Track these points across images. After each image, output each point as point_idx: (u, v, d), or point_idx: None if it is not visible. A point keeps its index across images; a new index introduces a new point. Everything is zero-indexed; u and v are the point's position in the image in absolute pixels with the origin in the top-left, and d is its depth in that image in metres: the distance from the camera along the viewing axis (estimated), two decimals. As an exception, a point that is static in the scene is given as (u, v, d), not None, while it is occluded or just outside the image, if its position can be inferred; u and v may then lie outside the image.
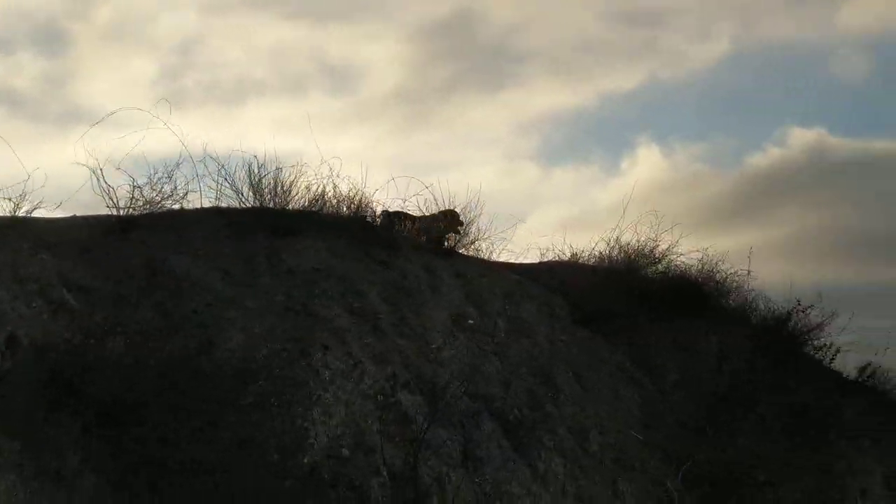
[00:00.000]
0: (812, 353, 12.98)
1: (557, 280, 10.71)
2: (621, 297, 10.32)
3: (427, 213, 10.20)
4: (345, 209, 8.30)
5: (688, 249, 12.30)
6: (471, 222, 9.56)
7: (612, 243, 11.97)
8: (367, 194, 8.52)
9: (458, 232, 10.47)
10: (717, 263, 13.33)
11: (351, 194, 8.30)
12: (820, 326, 13.28)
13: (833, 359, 11.11)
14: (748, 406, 9.14)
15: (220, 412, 5.97)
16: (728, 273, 13.21)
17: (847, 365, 16.15)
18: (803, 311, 10.54)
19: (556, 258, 11.81)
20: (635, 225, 12.04)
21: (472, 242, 9.54)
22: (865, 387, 16.03)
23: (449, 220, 10.20)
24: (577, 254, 11.87)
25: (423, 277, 8.38)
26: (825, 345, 13.17)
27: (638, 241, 12.11)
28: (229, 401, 6.10)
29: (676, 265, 12.48)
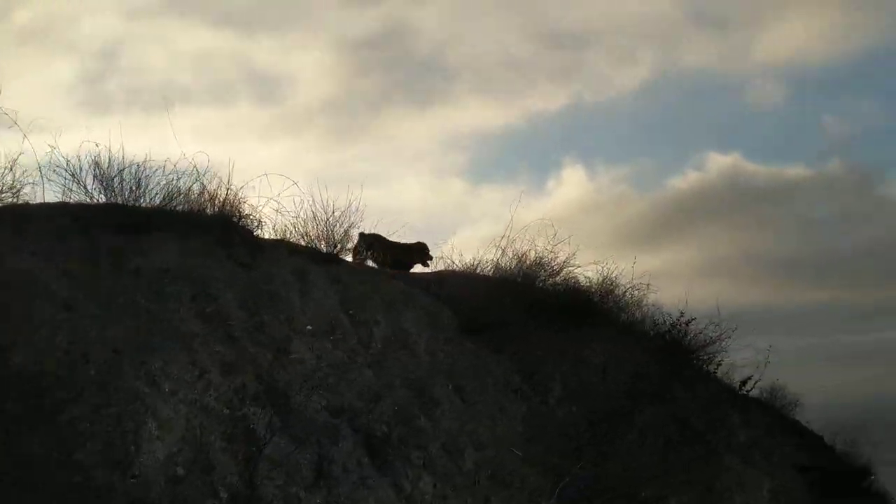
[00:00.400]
0: (704, 367, 12.94)
1: (447, 290, 10.31)
2: (513, 309, 9.97)
3: (401, 241, 10.68)
4: (209, 209, 7.68)
5: (586, 262, 12.14)
6: (350, 227, 9.07)
7: (508, 254, 11.75)
8: (235, 193, 7.92)
9: (425, 264, 11.13)
10: (616, 278, 13.25)
11: (216, 192, 7.69)
12: (713, 342, 13.28)
13: (716, 370, 11.02)
14: (633, 419, 8.88)
15: (31, 424, 5.30)
16: (627, 288, 13.14)
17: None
18: (686, 324, 10.38)
19: (449, 268, 11.44)
20: (533, 237, 11.83)
21: (345, 247, 9.01)
22: (759, 402, 16.13)
23: (419, 252, 10.85)
24: (471, 264, 11.55)
25: (293, 282, 7.83)
26: (715, 360, 13.17)
27: (535, 252, 11.90)
28: (46, 412, 5.43)
29: (573, 278, 12.31)
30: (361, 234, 9.98)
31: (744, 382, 10.81)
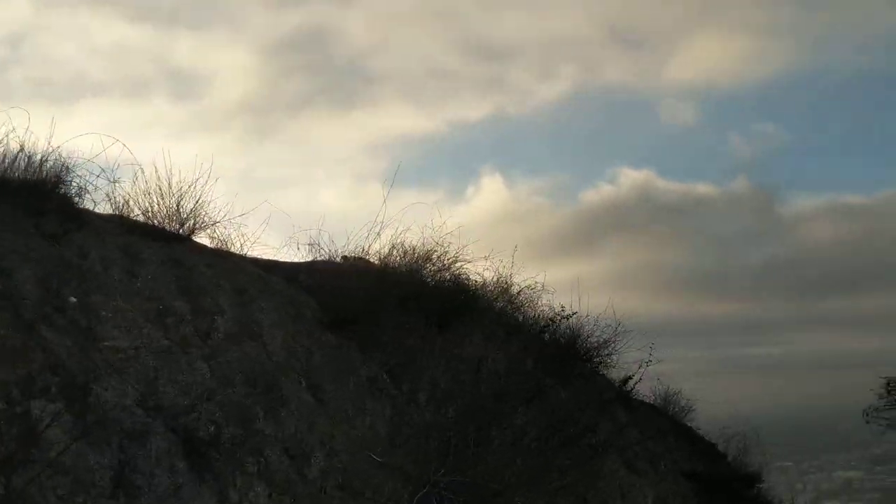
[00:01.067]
0: (592, 370, 12.46)
1: (317, 280, 9.44)
2: (386, 302, 9.17)
3: None
4: (19, 173, 6.60)
5: (479, 258, 11.48)
6: (200, 203, 8.09)
7: (392, 245, 10.99)
8: (58, 156, 6.83)
9: None
10: (510, 277, 12.66)
11: (31, 153, 6.60)
12: (603, 345, 12.84)
13: (603, 373, 10.51)
14: (508, 421, 8.19)
15: None
16: (522, 288, 12.58)
17: (640, 390, 15.86)
18: (566, 318, 9.80)
19: (327, 258, 10.57)
20: (423, 229, 11.10)
21: (195, 226, 8.02)
22: (652, 407, 15.78)
23: None
24: (353, 254, 10.71)
25: (117, 260, 6.83)
26: (605, 362, 12.75)
27: (423, 244, 11.16)
28: None
29: (464, 275, 11.64)
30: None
31: (625, 381, 10.29)
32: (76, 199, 6.88)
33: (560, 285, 11.89)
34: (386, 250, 10.64)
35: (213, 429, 6.25)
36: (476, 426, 7.68)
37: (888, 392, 24.67)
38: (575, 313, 10.02)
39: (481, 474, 7.36)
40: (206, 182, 7.99)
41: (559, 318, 10.17)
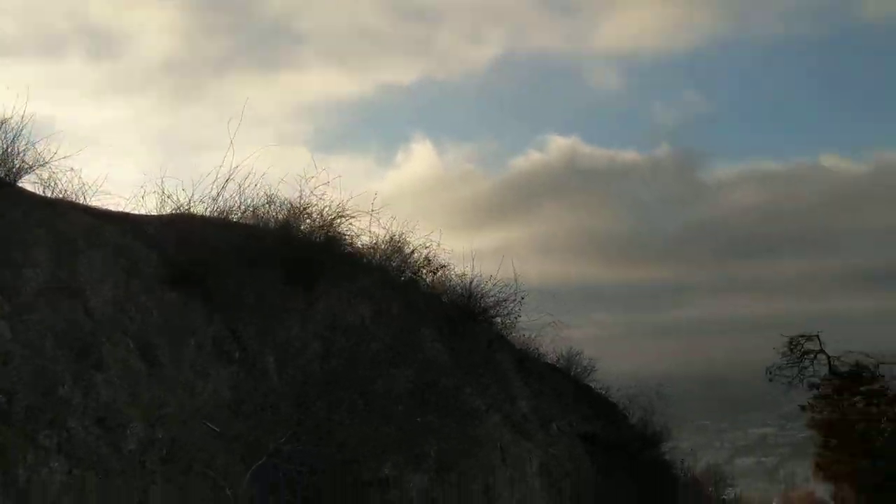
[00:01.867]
0: (485, 329, 11.92)
1: (164, 232, 8.52)
2: (241, 258, 8.35)
3: None
4: None
5: (360, 212, 10.73)
6: (17, 143, 7.10)
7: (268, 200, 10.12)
8: None
9: None
10: (404, 236, 11.97)
11: None
12: (497, 304, 12.34)
13: (506, 336, 9.95)
14: (371, 385, 7.49)
15: None
16: (417, 247, 11.95)
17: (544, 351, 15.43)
18: (437, 269, 9.15)
19: (184, 211, 9.61)
20: (299, 181, 10.27)
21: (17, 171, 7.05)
22: (553, 369, 15.36)
23: None
24: (219, 209, 9.77)
25: None
26: (502, 322, 12.26)
27: (301, 198, 10.30)
28: None
29: (347, 233, 10.87)
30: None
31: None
32: None
33: (490, 252, 11.59)
34: (253, 204, 9.81)
35: (2, 398, 5.38)
36: (331, 390, 6.96)
37: (790, 350, 25.04)
38: (447, 264, 9.35)
39: (334, 442, 6.66)
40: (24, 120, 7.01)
41: (429, 268, 9.50)
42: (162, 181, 8.82)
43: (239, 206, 9.66)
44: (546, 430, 11.62)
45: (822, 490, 29.79)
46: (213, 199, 8.85)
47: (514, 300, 12.39)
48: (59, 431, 5.56)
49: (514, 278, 12.11)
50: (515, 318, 12.33)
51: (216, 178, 8.83)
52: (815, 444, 24.83)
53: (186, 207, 8.84)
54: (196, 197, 8.95)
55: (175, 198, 8.92)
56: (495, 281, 12.27)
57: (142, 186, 8.79)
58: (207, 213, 9.56)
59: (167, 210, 9.20)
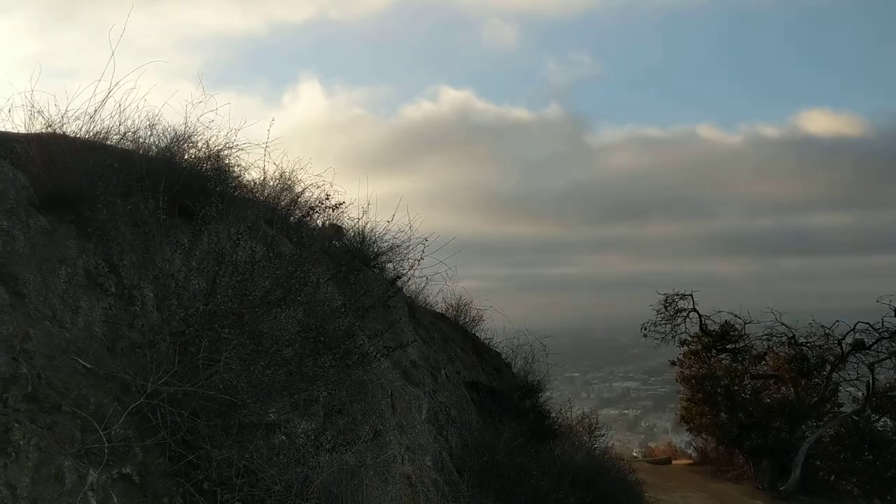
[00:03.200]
0: (374, 274, 11.68)
1: (34, 152, 7.73)
2: (120, 183, 7.67)
3: None
4: None
5: (251, 144, 10.19)
6: None
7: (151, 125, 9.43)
8: None
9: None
10: (294, 175, 11.55)
11: None
12: (388, 251, 12.14)
13: (383, 278, 9.67)
14: (253, 325, 7.06)
15: None
16: (307, 186, 11.58)
17: (434, 300, 15.38)
18: (331, 208, 8.80)
19: (54, 130, 8.77)
20: (186, 106, 9.58)
21: None
22: (441, 317, 15.32)
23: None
24: (98, 132, 8.98)
25: None
26: (387, 267, 12.09)
27: (186, 125, 9.66)
28: None
29: (232, 165, 10.30)
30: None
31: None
32: None
33: (378, 200, 11.44)
34: (133, 128, 9.09)
35: None
36: (215, 329, 6.50)
37: (665, 308, 26.12)
38: (342, 203, 8.99)
39: (216, 384, 6.24)
40: None
41: (323, 206, 9.10)
42: (31, 93, 7.99)
43: (118, 129, 8.95)
44: (434, 378, 11.53)
45: (680, 441, 31.50)
46: (90, 117, 8.07)
47: (410, 246, 12.19)
48: None
49: (410, 225, 11.90)
50: (410, 265, 12.14)
51: (93, 95, 8.06)
52: (682, 398, 26.14)
53: (59, 125, 8.05)
54: (70, 114, 8.16)
55: (46, 114, 8.11)
56: (388, 227, 12.03)
57: (8, 99, 7.93)
58: (83, 134, 8.79)
59: (37, 127, 8.37)
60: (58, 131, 8.54)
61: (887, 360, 23.57)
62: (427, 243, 10.47)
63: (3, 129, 8.28)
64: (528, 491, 9.75)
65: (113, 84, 7.95)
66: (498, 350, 17.10)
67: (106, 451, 5.54)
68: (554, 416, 16.32)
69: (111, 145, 8.90)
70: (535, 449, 11.27)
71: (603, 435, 20.03)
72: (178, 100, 11.12)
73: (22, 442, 5.22)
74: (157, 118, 9.45)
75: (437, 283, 16.31)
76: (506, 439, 10.36)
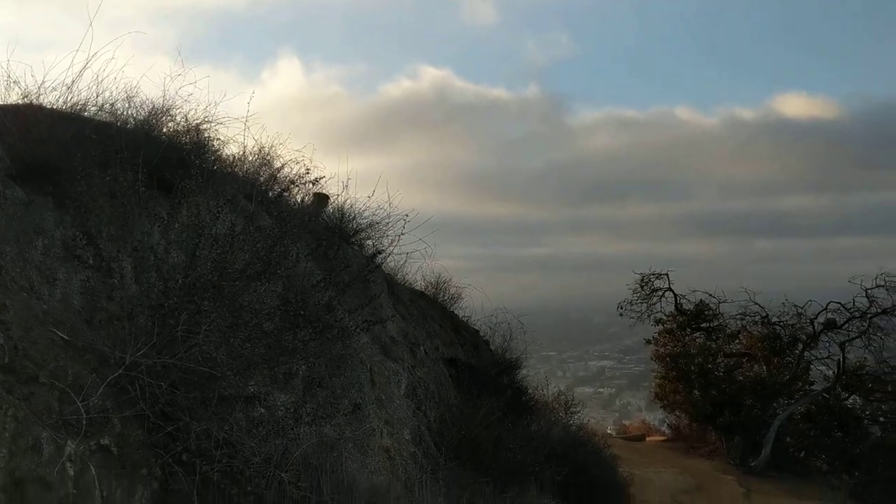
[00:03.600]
0: (353, 250, 11.69)
1: (14, 123, 7.62)
2: (98, 155, 7.59)
3: None
4: None
5: (230, 119, 10.14)
6: None
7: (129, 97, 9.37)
8: None
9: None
10: (273, 150, 11.51)
11: None
12: (368, 227, 12.16)
13: (362, 254, 9.70)
14: (233, 299, 7.05)
15: None
16: (286, 162, 11.56)
17: (413, 278, 15.42)
18: (311, 183, 8.77)
19: (31, 101, 8.65)
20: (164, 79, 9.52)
21: None
22: (420, 294, 15.36)
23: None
24: (75, 104, 8.87)
25: None
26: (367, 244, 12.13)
27: (164, 98, 9.60)
28: None
29: (211, 138, 10.24)
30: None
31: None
32: None
33: (358, 178, 11.45)
34: (111, 99, 9.00)
35: None
36: (195, 301, 6.49)
37: (641, 287, 26.35)
38: (322, 177, 8.96)
39: (195, 356, 6.24)
40: None
41: (303, 180, 9.07)
42: (7, 63, 7.87)
43: (95, 101, 8.85)
44: (413, 353, 11.58)
45: (654, 418, 31.91)
46: (67, 88, 7.97)
47: (389, 223, 12.22)
48: None
49: (389, 203, 11.90)
50: (390, 241, 12.16)
51: (70, 66, 7.96)
52: (657, 376, 26.44)
53: (36, 96, 7.94)
54: (48, 85, 8.06)
55: (23, 84, 7.99)
56: (368, 204, 12.04)
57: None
58: (60, 106, 8.69)
59: (13, 98, 8.25)
60: (34, 102, 8.45)
61: (858, 339, 23.99)
62: (408, 219, 10.50)
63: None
64: (506, 464, 9.86)
65: (90, 55, 7.83)
66: (476, 328, 17.19)
67: (84, 422, 5.53)
68: (531, 392, 16.46)
69: (88, 117, 8.80)
70: (512, 424, 11.39)
71: (578, 412, 20.26)
72: (156, 73, 11.01)
73: None
74: (135, 90, 9.37)
75: (416, 260, 16.42)
76: (483, 414, 10.45)
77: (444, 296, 16.86)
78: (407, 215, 11.40)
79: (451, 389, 12.74)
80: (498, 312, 16.76)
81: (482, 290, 16.14)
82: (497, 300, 16.68)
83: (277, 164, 11.61)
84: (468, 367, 14.15)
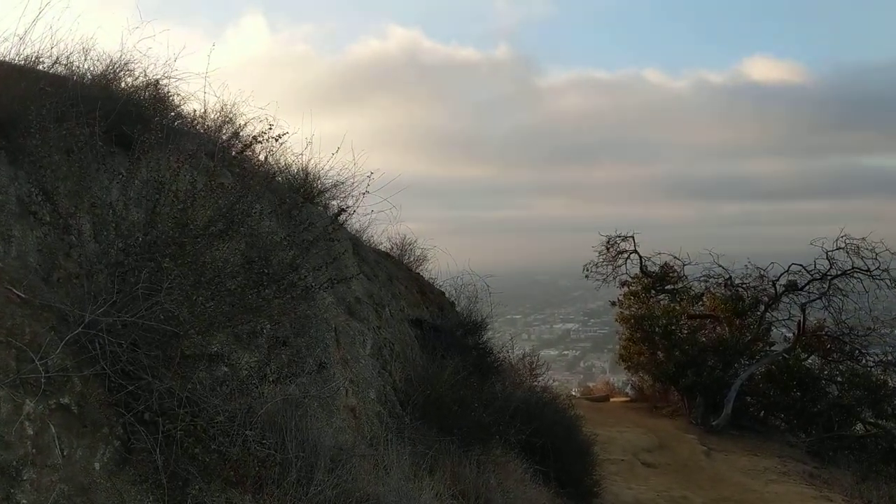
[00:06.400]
0: (315, 209, 11.59)
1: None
2: (52, 111, 7.38)
3: None
4: None
5: (191, 74, 9.93)
6: None
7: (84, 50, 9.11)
8: None
9: None
10: (236, 108, 11.32)
11: None
12: (332, 188, 12.07)
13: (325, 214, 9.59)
14: (195, 256, 6.94)
15: None
16: (249, 120, 11.39)
17: (377, 238, 15.35)
18: (272, 139, 8.62)
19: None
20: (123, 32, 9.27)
21: None
22: (384, 255, 15.30)
23: None
24: (28, 56, 8.59)
25: None
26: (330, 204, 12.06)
27: (122, 52, 9.34)
28: None
29: (171, 94, 10.03)
30: None
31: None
32: None
33: (323, 139, 11.26)
34: (66, 52, 8.74)
35: None
36: (156, 259, 6.37)
37: (607, 249, 26.57)
38: (285, 133, 8.80)
39: (156, 314, 6.14)
40: None
41: (266, 137, 8.89)
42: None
43: (50, 53, 8.59)
44: (378, 314, 11.56)
45: (617, 380, 32.39)
46: (20, 38, 7.72)
47: (354, 184, 12.13)
48: None
49: (352, 162, 11.80)
50: (355, 199, 12.06)
51: (22, 15, 7.69)
52: (621, 338, 26.79)
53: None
54: (-2, 34, 7.79)
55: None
56: (333, 164, 11.93)
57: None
58: (12, 57, 8.41)
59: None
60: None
61: (818, 301, 24.49)
62: (372, 178, 10.42)
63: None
64: (470, 423, 9.93)
65: (44, 3, 7.57)
66: (442, 289, 17.21)
67: (43, 381, 5.43)
68: (496, 354, 16.57)
69: (42, 70, 8.55)
70: (477, 384, 11.45)
71: (543, 374, 20.46)
72: (113, 25, 10.68)
73: (-47, 371, 5.09)
74: (92, 43, 9.11)
75: (381, 223, 16.30)
76: (448, 373, 10.49)
77: (409, 257, 16.84)
78: (371, 174, 11.30)
79: (416, 350, 12.77)
80: (464, 274, 16.79)
81: (448, 251, 16.15)
82: (464, 262, 16.70)
83: (240, 122, 11.43)
84: (434, 328, 14.17)
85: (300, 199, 9.31)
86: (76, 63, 9.03)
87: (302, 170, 12.53)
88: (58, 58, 8.56)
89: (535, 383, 18.51)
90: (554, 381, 25.07)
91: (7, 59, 8.32)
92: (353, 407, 8.85)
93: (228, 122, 11.47)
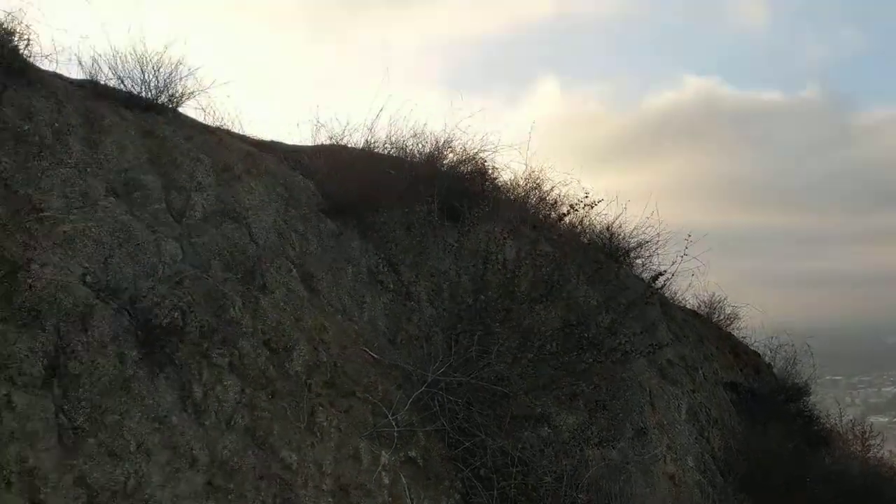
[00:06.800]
0: (625, 271, 11.57)
1: (318, 162, 8.56)
2: (395, 190, 8.30)
3: None
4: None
5: (502, 146, 10.58)
6: (181, 67, 7.18)
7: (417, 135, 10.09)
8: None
9: None
10: (542, 174, 11.74)
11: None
12: (639, 246, 12.00)
13: (631, 274, 9.59)
14: (520, 322, 7.32)
15: None
16: (555, 184, 11.73)
17: (684, 297, 14.96)
18: (587, 206, 8.75)
19: (336, 142, 9.65)
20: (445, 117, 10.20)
21: (180, 96, 7.16)
22: (694, 314, 14.83)
23: None
24: (369, 143, 9.78)
25: (76, 128, 6.01)
26: (641, 264, 11.96)
27: (445, 131, 10.22)
28: None
29: (486, 167, 10.73)
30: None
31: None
32: (24, 51, 5.97)
33: (619, 194, 11.36)
34: (403, 137, 9.77)
35: (177, 315, 5.51)
36: (483, 324, 6.84)
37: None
38: (601, 200, 8.96)
39: (486, 376, 6.56)
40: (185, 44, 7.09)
41: (581, 204, 9.13)
42: (317, 108, 8.88)
43: (387, 140, 9.64)
44: (691, 377, 11.23)
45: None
46: (369, 129, 8.81)
47: (660, 242, 11.97)
48: (231, 351, 5.67)
49: (656, 220, 11.66)
50: (658, 260, 11.89)
51: (369, 109, 8.80)
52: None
53: (340, 137, 8.86)
54: (351, 127, 8.97)
55: (329, 128, 8.96)
56: (636, 222, 11.87)
57: (287, 116, 8.87)
58: (356, 145, 9.58)
59: (322, 139, 9.25)
60: (336, 142, 9.42)
61: None
62: (689, 240, 10.17)
63: (292, 143, 9.25)
64: (802, 500, 9.20)
65: (386, 99, 8.58)
66: (755, 349, 16.24)
67: (395, 434, 6.04)
68: (821, 421, 15.19)
69: (381, 154, 9.61)
70: (804, 456, 10.60)
71: (878, 444, 18.30)
72: (426, 105, 11.73)
73: (325, 424, 5.83)
74: (422, 127, 10.07)
75: (684, 277, 15.77)
76: (775, 444, 9.84)
77: (719, 315, 16.10)
78: (689, 235, 11.05)
79: (733, 415, 12.15)
80: (779, 333, 15.70)
81: (760, 308, 15.20)
82: (776, 318, 15.60)
83: (546, 188, 11.87)
84: (750, 393, 13.39)
85: (614, 264, 9.42)
86: (409, 146, 10.05)
87: (606, 229, 12.65)
88: (394, 142, 9.59)
89: (869, 455, 16.60)
90: (890, 452, 22.26)
91: (355, 146, 9.50)
92: (672, 474, 8.64)
93: (536, 188, 11.97)
